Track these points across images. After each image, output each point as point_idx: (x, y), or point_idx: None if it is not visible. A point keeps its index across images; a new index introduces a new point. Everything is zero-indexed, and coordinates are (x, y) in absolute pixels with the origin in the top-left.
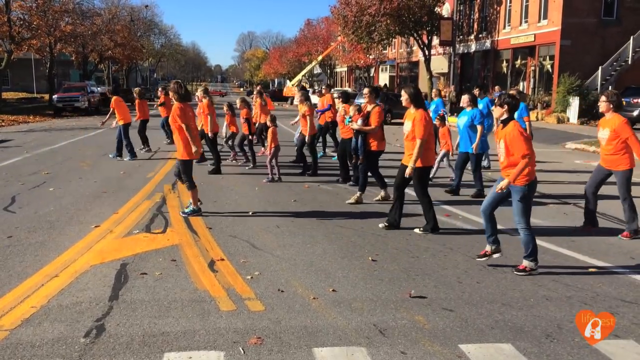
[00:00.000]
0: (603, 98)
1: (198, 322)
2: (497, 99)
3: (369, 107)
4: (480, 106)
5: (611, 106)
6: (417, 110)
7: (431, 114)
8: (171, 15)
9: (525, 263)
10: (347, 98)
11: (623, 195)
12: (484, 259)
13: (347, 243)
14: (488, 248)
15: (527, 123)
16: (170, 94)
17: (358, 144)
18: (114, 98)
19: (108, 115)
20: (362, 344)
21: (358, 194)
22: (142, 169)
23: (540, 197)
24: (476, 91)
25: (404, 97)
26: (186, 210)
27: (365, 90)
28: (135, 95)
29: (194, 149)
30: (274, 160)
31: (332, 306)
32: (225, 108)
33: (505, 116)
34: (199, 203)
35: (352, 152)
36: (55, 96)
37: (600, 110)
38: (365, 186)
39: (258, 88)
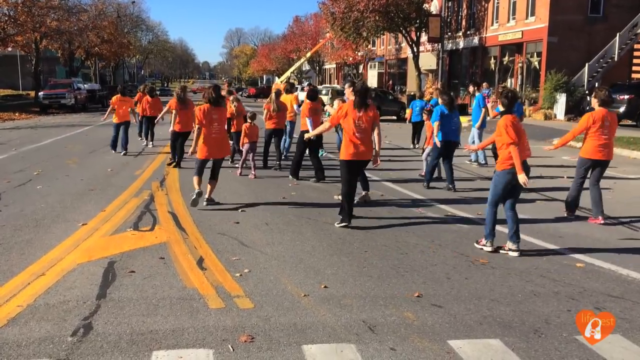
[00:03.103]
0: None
1: (187, 320)
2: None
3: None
4: (474, 102)
5: (596, 101)
6: (347, 102)
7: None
8: (158, 11)
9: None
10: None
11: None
12: (479, 246)
13: (336, 240)
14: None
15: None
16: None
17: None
18: (116, 96)
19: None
20: (352, 341)
21: (364, 192)
22: (130, 166)
23: (527, 193)
24: (471, 88)
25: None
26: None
27: (347, 87)
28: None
29: (191, 149)
30: (249, 156)
31: (321, 303)
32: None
33: (502, 109)
34: (197, 190)
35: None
36: (41, 93)
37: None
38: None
39: (233, 94)
